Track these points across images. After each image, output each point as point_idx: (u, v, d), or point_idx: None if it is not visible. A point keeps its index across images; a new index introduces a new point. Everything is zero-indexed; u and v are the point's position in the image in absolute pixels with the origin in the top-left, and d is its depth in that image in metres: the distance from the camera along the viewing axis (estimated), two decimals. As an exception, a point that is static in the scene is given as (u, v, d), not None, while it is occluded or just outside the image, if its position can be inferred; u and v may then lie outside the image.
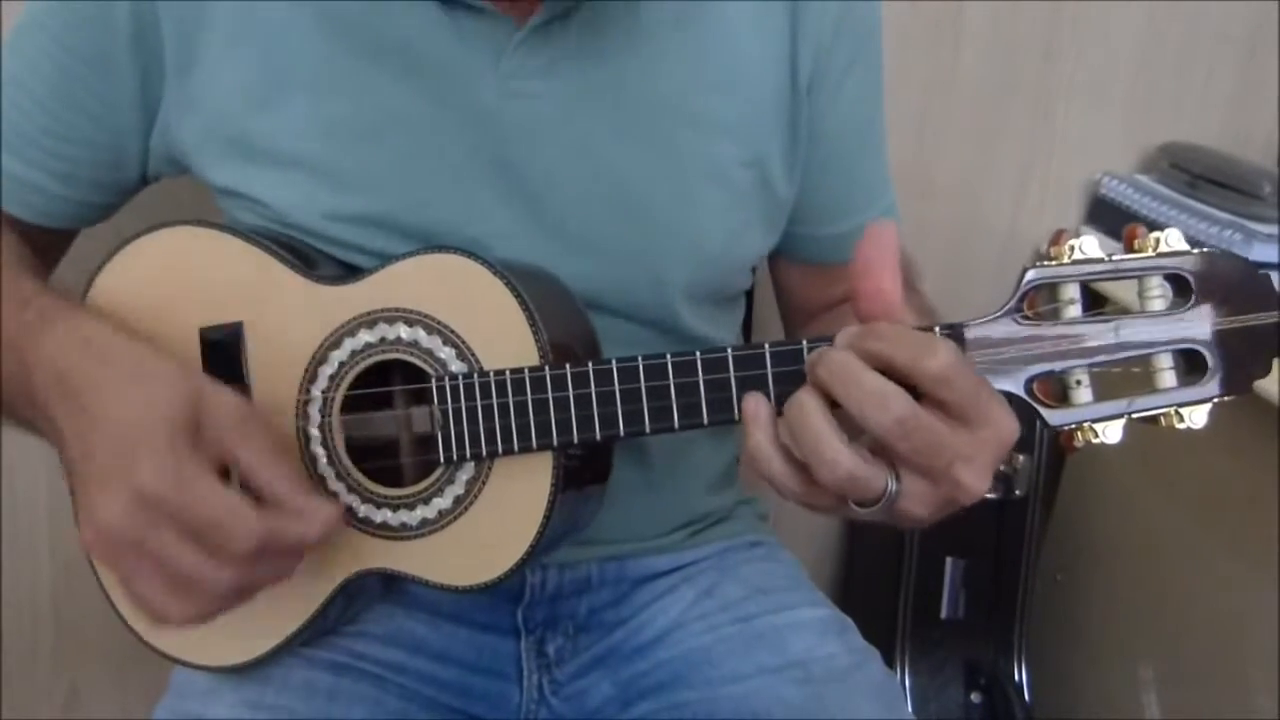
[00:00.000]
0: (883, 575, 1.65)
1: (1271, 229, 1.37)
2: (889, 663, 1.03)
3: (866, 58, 1.04)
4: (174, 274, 0.90)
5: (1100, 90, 1.60)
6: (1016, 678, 1.63)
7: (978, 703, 1.62)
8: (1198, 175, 1.52)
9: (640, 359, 0.79)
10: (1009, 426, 0.70)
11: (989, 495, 1.57)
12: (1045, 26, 1.57)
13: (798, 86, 0.99)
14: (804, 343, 0.75)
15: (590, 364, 0.80)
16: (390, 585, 0.97)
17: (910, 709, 1.59)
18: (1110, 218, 1.57)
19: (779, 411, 0.75)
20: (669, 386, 0.78)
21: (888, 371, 0.69)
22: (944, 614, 1.63)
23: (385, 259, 0.87)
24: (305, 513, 0.78)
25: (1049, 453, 1.62)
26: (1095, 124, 1.62)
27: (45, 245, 1.00)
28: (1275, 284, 0.72)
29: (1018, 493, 1.60)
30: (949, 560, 1.62)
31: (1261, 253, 1.35)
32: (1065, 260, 0.71)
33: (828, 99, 1.00)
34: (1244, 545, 1.33)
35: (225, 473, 0.78)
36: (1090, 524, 1.63)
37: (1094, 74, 1.59)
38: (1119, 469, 1.57)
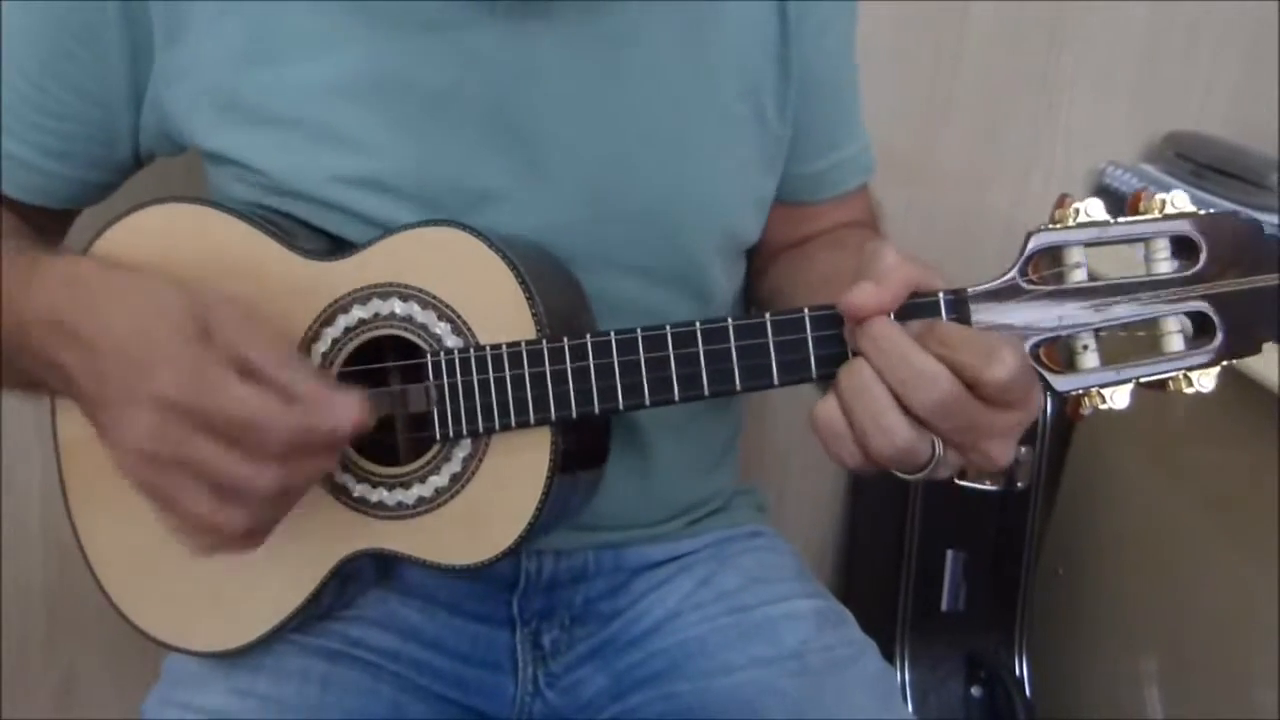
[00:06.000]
0: (883, 567, 1.64)
1: (1276, 219, 1.36)
2: (888, 656, 1.03)
3: (847, 10, 1.06)
4: (163, 251, 0.89)
5: (1105, 79, 1.60)
6: (1017, 671, 1.63)
7: (978, 696, 1.62)
8: (1203, 164, 1.51)
9: (639, 330, 0.78)
10: (1039, 402, 0.72)
11: (991, 488, 1.58)
12: (1049, 15, 1.56)
13: (787, 15, 0.98)
14: (805, 311, 0.75)
15: (589, 336, 0.79)
16: (385, 570, 0.97)
17: (910, 702, 1.60)
18: (1115, 207, 1.55)
19: (789, 382, 0.76)
20: (669, 358, 0.78)
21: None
22: (944, 607, 1.62)
23: (384, 227, 0.87)
24: (333, 402, 0.76)
25: (1051, 444, 1.61)
26: (1100, 113, 1.61)
27: (43, 227, 0.99)
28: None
29: (1019, 485, 1.60)
30: (950, 553, 1.62)
31: (1266, 243, 1.34)
32: (1070, 223, 0.72)
33: (814, 32, 1.00)
34: (1247, 538, 1.32)
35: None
36: (1092, 517, 1.62)
37: (1099, 63, 1.59)
38: (1122, 461, 1.56)
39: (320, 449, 0.77)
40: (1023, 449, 1.58)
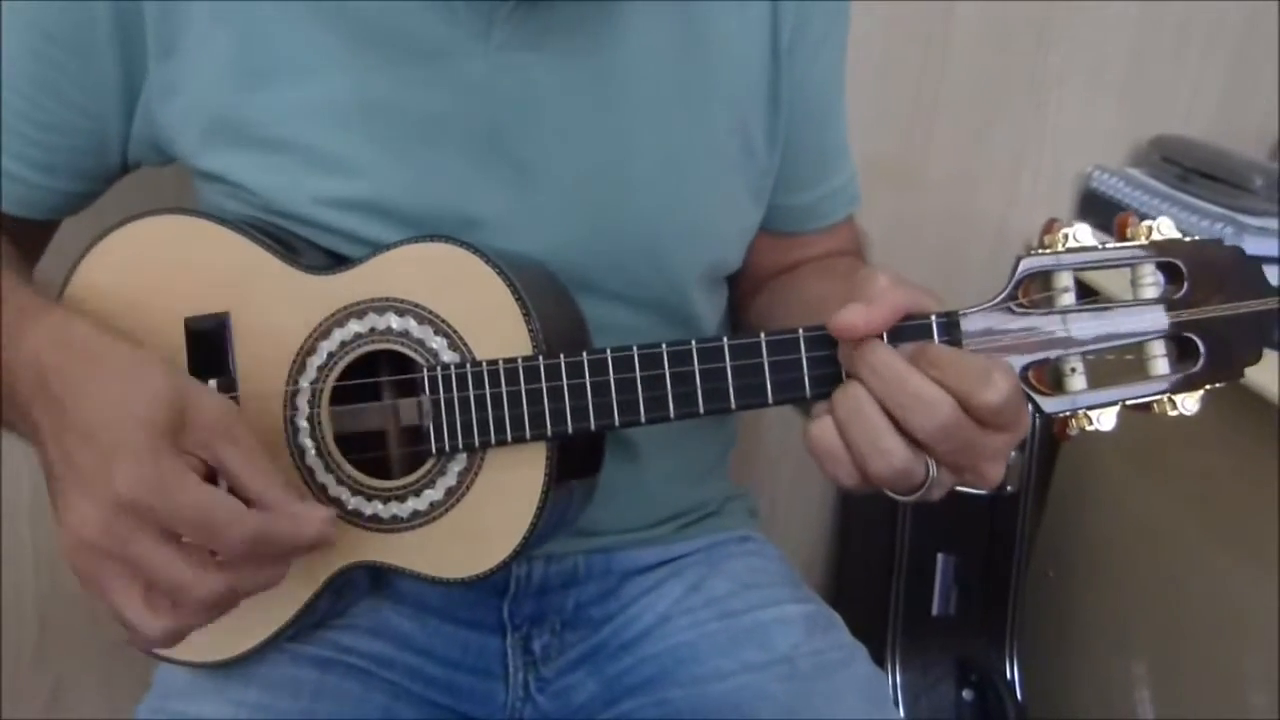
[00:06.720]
0: (874, 572, 1.65)
1: (1262, 222, 1.37)
2: (879, 660, 1.04)
3: (839, 32, 1.06)
4: (158, 263, 0.89)
5: (1093, 83, 1.60)
6: (1008, 674, 1.63)
7: (969, 700, 1.62)
8: (1189, 168, 1.52)
9: (635, 348, 0.79)
10: (1029, 421, 0.74)
11: (981, 490, 1.58)
12: (1037, 18, 1.57)
13: (778, 49, 0.99)
14: (800, 331, 0.75)
15: (585, 353, 0.80)
16: (377, 579, 0.97)
17: (902, 706, 1.60)
18: (1101, 211, 1.57)
19: (783, 401, 0.77)
20: (664, 376, 0.78)
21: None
22: (935, 610, 1.63)
23: (374, 245, 0.87)
24: (299, 515, 0.76)
25: (1041, 448, 1.62)
26: (1087, 116, 1.62)
27: (27, 237, 0.99)
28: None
29: (1009, 488, 1.60)
30: (940, 556, 1.62)
31: (1253, 246, 1.34)
32: (1059, 249, 0.73)
33: (805, 64, 1.01)
34: (1239, 540, 1.33)
35: (209, 478, 0.75)
36: (1082, 519, 1.63)
37: (1086, 66, 1.59)
38: (1111, 464, 1.56)
39: (274, 559, 0.76)
40: (1012, 453, 1.58)
